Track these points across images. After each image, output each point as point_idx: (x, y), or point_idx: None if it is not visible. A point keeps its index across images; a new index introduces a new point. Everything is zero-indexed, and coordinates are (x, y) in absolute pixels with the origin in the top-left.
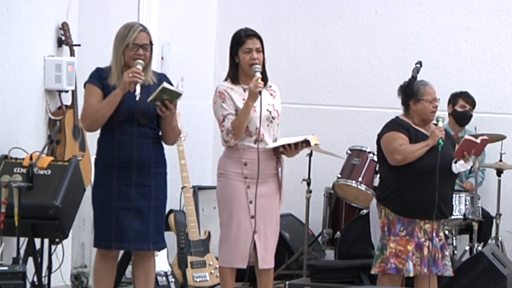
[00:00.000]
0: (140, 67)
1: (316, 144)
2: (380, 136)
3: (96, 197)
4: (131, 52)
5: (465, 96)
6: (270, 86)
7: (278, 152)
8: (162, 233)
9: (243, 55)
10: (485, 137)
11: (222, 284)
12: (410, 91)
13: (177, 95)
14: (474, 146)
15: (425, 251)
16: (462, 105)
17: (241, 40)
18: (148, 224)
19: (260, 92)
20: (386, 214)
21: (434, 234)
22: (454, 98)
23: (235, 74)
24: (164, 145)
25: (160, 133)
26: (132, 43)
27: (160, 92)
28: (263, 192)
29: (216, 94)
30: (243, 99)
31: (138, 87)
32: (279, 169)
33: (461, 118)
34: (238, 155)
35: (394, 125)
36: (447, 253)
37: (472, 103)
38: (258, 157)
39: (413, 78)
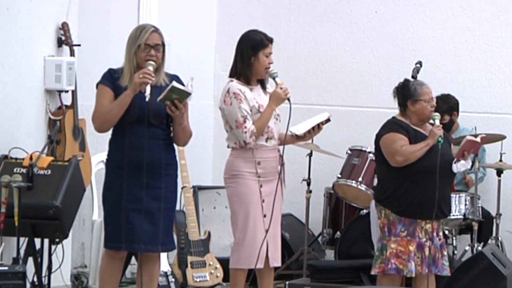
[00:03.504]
0: (151, 68)
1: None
2: (378, 136)
3: (107, 198)
4: (143, 53)
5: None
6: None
7: (299, 137)
8: (171, 234)
9: (263, 57)
10: (483, 134)
11: (233, 286)
12: (407, 92)
13: (187, 94)
14: (474, 146)
15: (426, 251)
16: None
17: (265, 43)
18: (158, 226)
19: (289, 99)
20: (386, 215)
21: (434, 233)
22: None
23: (249, 74)
24: None
25: (171, 135)
26: (144, 44)
27: (169, 91)
28: (272, 190)
29: (229, 95)
30: (254, 99)
31: (148, 88)
32: (281, 167)
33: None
34: (251, 155)
35: (392, 126)
36: (445, 253)
37: (441, 109)
38: (283, 155)
39: (414, 78)
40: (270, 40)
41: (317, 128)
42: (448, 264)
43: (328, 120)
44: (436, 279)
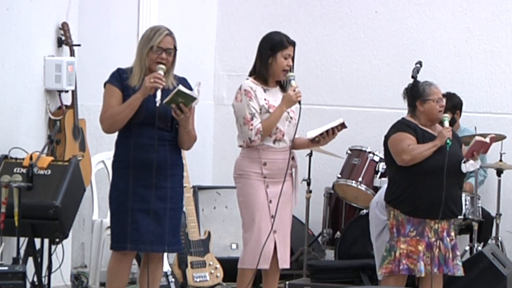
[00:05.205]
0: (161, 72)
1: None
2: (387, 137)
3: (113, 199)
4: (155, 55)
5: None
6: None
7: (314, 142)
8: (178, 235)
9: (281, 59)
10: (493, 135)
11: (239, 285)
12: (416, 92)
13: (192, 99)
14: (484, 146)
15: (435, 251)
16: None
17: (284, 44)
18: (164, 226)
19: (299, 102)
20: (395, 216)
21: (445, 233)
22: None
23: (265, 74)
24: None
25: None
26: (157, 46)
27: (175, 94)
28: (280, 191)
29: (241, 92)
30: (265, 99)
31: (158, 93)
32: (293, 169)
33: None
34: (257, 155)
35: (401, 126)
36: (458, 253)
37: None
38: (289, 156)
39: (414, 78)
40: (291, 43)
41: (331, 133)
42: (461, 264)
43: (343, 126)
44: (444, 280)
